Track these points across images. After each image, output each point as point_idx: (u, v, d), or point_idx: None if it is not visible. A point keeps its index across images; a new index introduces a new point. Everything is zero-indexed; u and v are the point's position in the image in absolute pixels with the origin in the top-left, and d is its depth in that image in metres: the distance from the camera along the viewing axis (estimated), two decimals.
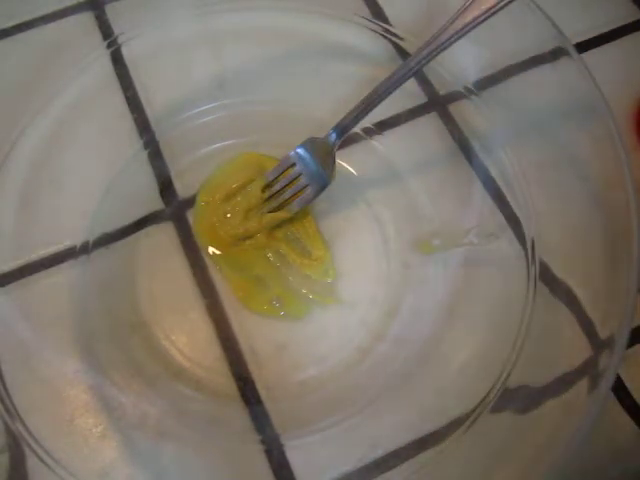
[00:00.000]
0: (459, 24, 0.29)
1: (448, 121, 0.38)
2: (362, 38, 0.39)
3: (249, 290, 0.34)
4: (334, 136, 0.33)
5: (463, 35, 0.29)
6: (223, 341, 0.33)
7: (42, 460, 0.28)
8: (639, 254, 0.28)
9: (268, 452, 0.30)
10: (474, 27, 0.29)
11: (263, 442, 0.31)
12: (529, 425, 0.29)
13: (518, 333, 0.31)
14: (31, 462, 0.28)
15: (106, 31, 0.39)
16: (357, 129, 0.35)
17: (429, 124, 0.38)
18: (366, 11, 0.40)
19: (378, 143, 0.37)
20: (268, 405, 0.31)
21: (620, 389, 0.33)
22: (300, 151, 0.33)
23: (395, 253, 0.35)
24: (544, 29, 0.33)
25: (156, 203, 0.36)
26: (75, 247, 0.34)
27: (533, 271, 0.32)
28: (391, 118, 0.38)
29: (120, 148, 0.36)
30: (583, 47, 0.40)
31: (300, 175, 0.34)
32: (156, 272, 0.34)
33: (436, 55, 0.30)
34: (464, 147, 0.37)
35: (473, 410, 0.30)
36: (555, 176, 0.34)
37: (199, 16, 0.39)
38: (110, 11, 0.39)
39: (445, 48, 0.29)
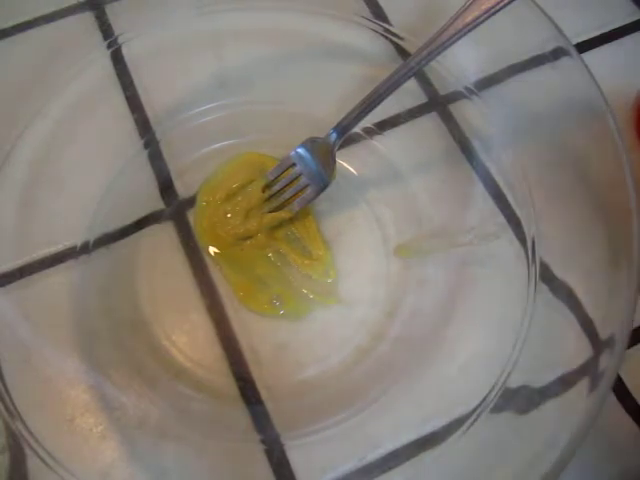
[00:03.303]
0: (459, 24, 0.29)
1: (448, 121, 0.38)
2: (362, 38, 0.39)
3: (249, 290, 0.34)
4: (334, 136, 0.33)
5: (463, 35, 0.29)
6: (223, 341, 0.33)
7: (42, 460, 0.28)
8: (639, 254, 0.28)
9: (268, 452, 0.30)
10: (474, 27, 0.29)
11: (263, 442, 0.31)
12: (529, 425, 0.29)
13: (518, 333, 0.31)
14: (31, 462, 0.28)
15: (106, 31, 0.39)
16: (357, 129, 0.35)
17: (429, 124, 0.38)
18: (366, 11, 0.40)
19: (378, 143, 0.37)
20: (268, 405, 0.31)
21: (620, 389, 0.33)
22: (300, 151, 0.33)
23: (396, 252, 0.35)
24: (544, 29, 0.33)
25: (156, 203, 0.36)
26: (75, 247, 0.34)
27: (533, 271, 0.32)
28: (391, 118, 0.38)
29: (120, 148, 0.36)
30: (583, 47, 0.40)
31: (300, 175, 0.34)
32: (156, 272, 0.34)
33: (436, 55, 0.30)
34: (464, 147, 0.37)
35: (473, 410, 0.30)
36: (555, 176, 0.34)
37: (199, 16, 0.39)
38: (110, 11, 0.39)
39: (445, 48, 0.29)
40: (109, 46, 0.38)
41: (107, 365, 0.31)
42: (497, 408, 0.29)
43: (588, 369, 0.28)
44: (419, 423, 0.30)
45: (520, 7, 0.31)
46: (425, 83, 0.38)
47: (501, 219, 0.35)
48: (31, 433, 0.28)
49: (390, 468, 0.30)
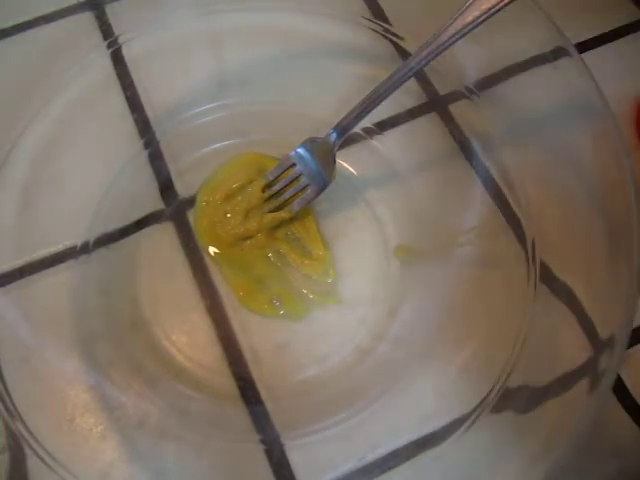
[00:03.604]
0: (459, 24, 0.29)
1: (448, 121, 0.38)
2: (362, 38, 0.39)
3: (249, 290, 0.34)
4: (334, 136, 0.33)
5: (463, 35, 0.29)
6: (223, 341, 0.33)
7: (42, 460, 0.28)
8: (639, 254, 0.28)
9: (268, 452, 0.30)
10: (474, 27, 0.29)
11: (263, 442, 0.31)
12: (529, 425, 0.29)
13: (518, 333, 0.31)
14: (31, 462, 0.28)
15: (106, 31, 0.39)
16: (357, 129, 0.35)
17: (429, 124, 0.38)
18: (366, 11, 0.40)
19: (378, 143, 0.37)
20: (268, 405, 0.31)
21: (620, 389, 0.33)
22: (300, 151, 0.33)
23: (395, 253, 0.35)
24: (544, 29, 0.33)
25: (156, 203, 0.36)
26: (75, 247, 0.34)
27: (533, 271, 0.32)
28: (391, 118, 0.38)
29: (120, 148, 0.36)
30: (583, 47, 0.40)
31: (300, 175, 0.34)
32: (156, 272, 0.34)
33: (436, 55, 0.30)
34: (464, 147, 0.37)
35: (473, 410, 0.30)
36: (555, 176, 0.34)
37: (199, 16, 0.39)
38: (110, 11, 0.39)
39: (445, 48, 0.29)
40: (109, 46, 0.38)
41: (107, 365, 0.31)
42: (497, 408, 0.29)
43: (588, 369, 0.28)
44: (419, 423, 0.30)
45: (520, 7, 0.31)
46: (425, 83, 0.38)
47: (501, 219, 0.35)
48: (31, 433, 0.28)
49: (390, 468, 0.30)
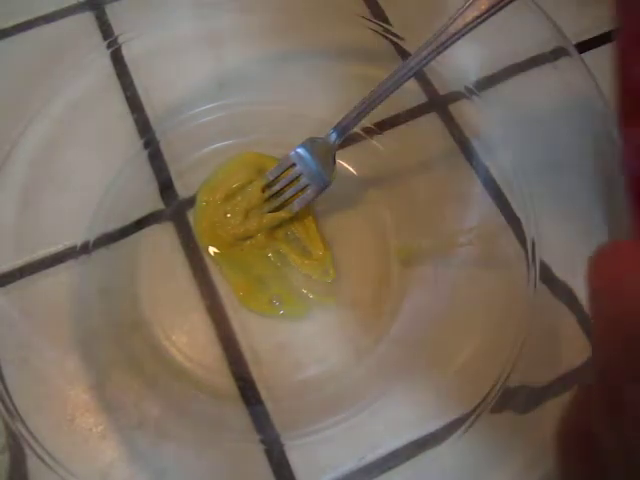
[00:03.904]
0: (459, 24, 0.29)
1: (448, 121, 0.38)
2: (362, 38, 0.39)
3: (249, 290, 0.34)
4: (334, 136, 0.33)
5: (463, 35, 0.29)
6: (223, 341, 0.33)
7: (42, 460, 0.28)
8: None
9: (268, 452, 0.30)
10: (474, 27, 0.29)
11: (263, 442, 0.31)
12: (529, 425, 0.29)
13: (518, 333, 0.31)
14: (31, 462, 0.28)
15: (106, 31, 0.39)
16: (357, 129, 0.35)
17: (429, 124, 0.38)
18: (366, 11, 0.40)
19: (378, 143, 0.37)
20: (268, 405, 0.31)
21: None
22: (300, 151, 0.33)
23: (395, 253, 0.35)
24: (544, 29, 0.33)
25: (156, 203, 0.36)
26: (75, 247, 0.34)
27: (533, 271, 0.32)
28: (391, 118, 0.38)
29: (120, 148, 0.36)
30: (583, 47, 0.40)
31: (300, 175, 0.34)
32: (156, 272, 0.34)
33: (436, 55, 0.30)
34: (464, 147, 0.37)
35: (473, 410, 0.30)
36: (555, 176, 0.34)
37: (199, 16, 0.39)
38: (110, 11, 0.39)
39: (445, 48, 0.29)
40: (109, 46, 0.38)
41: (107, 365, 0.31)
42: (497, 408, 0.29)
43: (588, 369, 0.28)
44: (419, 423, 0.30)
45: (520, 7, 0.31)
46: (425, 83, 0.38)
47: (501, 219, 0.35)
48: (31, 433, 0.28)
49: (390, 468, 0.30)
